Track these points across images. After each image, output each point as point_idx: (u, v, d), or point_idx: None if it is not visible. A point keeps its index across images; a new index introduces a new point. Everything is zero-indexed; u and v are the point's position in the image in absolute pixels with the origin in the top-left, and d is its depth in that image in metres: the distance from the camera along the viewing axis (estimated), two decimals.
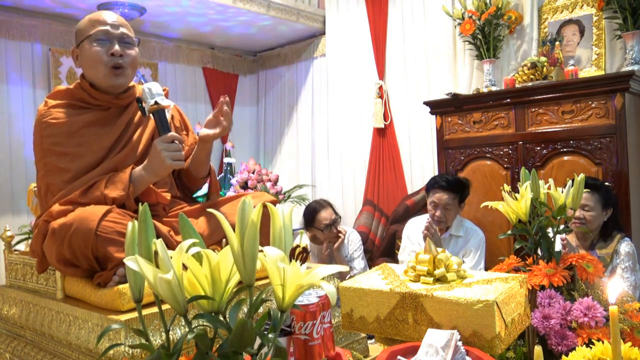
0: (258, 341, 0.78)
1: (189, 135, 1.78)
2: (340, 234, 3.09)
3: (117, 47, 1.54)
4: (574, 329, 1.40)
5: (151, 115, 1.51)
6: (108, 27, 1.55)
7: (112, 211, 1.37)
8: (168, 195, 1.61)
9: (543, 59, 2.99)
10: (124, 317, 1.23)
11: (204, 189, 1.84)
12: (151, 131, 1.63)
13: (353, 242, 3.22)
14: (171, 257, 0.74)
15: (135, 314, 1.24)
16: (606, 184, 2.49)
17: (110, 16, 1.58)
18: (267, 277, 0.80)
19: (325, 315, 1.15)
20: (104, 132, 1.56)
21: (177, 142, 1.48)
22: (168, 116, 1.56)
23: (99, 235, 1.31)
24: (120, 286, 1.30)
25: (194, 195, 1.84)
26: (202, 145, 1.66)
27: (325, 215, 3.06)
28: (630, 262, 2.31)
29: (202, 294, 0.77)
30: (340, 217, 3.18)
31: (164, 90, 1.78)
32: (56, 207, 1.41)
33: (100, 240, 1.31)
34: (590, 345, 1.10)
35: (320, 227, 3.05)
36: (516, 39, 3.44)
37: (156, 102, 1.48)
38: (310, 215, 3.11)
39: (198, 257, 0.77)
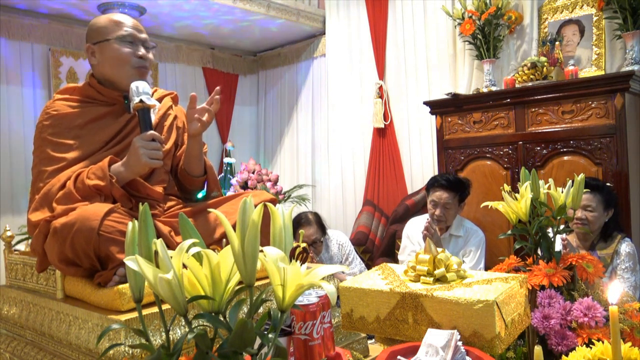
0: (258, 341, 0.78)
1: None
2: (311, 256, 2.90)
3: (143, 50, 1.63)
4: (574, 329, 1.40)
5: (136, 112, 1.52)
6: (134, 31, 1.63)
7: (114, 211, 1.37)
8: (160, 189, 1.61)
9: (543, 59, 2.99)
10: (124, 317, 1.23)
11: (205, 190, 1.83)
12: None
13: (343, 247, 3.16)
14: (171, 257, 0.74)
15: (135, 314, 1.24)
16: (607, 184, 2.49)
17: (130, 20, 1.66)
18: (267, 277, 0.80)
19: (325, 315, 1.15)
20: (104, 126, 1.61)
21: (157, 141, 1.49)
22: (153, 116, 1.57)
23: (101, 235, 1.31)
24: (120, 286, 1.30)
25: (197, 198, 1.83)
26: (190, 141, 1.66)
27: (305, 232, 2.90)
28: (631, 263, 2.31)
29: (202, 294, 0.77)
30: (324, 236, 3.05)
31: (170, 94, 1.80)
32: (59, 207, 1.41)
33: (102, 240, 1.31)
34: (590, 345, 1.10)
35: (297, 241, 2.94)
36: (516, 39, 3.44)
37: (141, 101, 1.49)
38: (294, 227, 2.92)
39: (198, 257, 0.77)
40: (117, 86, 1.63)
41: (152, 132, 1.49)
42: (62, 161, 1.52)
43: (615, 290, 0.96)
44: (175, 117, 1.77)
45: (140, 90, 1.50)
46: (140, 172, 1.54)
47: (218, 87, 1.65)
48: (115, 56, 1.60)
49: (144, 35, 1.65)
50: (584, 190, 1.65)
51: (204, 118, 1.60)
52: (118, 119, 1.63)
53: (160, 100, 1.75)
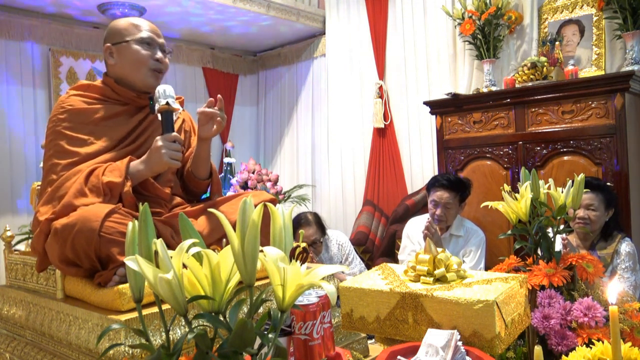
0: (258, 341, 0.78)
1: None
2: (311, 257, 2.89)
3: (160, 54, 1.67)
4: (574, 329, 1.40)
5: (159, 114, 1.57)
6: (153, 35, 1.67)
7: (115, 211, 1.37)
8: (168, 190, 1.65)
9: (543, 59, 2.99)
10: (124, 317, 1.23)
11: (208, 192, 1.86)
12: (161, 133, 1.66)
13: (343, 247, 3.16)
14: (171, 257, 0.74)
15: (135, 314, 1.24)
16: (607, 184, 2.49)
17: (150, 24, 1.70)
18: (267, 277, 0.80)
19: (325, 315, 1.15)
20: (118, 125, 1.63)
21: (177, 142, 1.54)
22: (175, 119, 1.61)
23: (102, 236, 1.31)
24: (120, 286, 1.30)
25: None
26: (200, 144, 1.70)
27: (305, 233, 2.88)
28: (631, 262, 2.31)
29: (202, 294, 0.77)
30: (323, 236, 3.05)
31: (178, 98, 1.83)
32: (65, 201, 1.41)
33: (103, 241, 1.31)
34: (590, 345, 1.10)
35: (297, 241, 2.92)
36: (516, 39, 3.45)
37: (167, 103, 1.54)
38: (293, 227, 2.90)
39: (198, 257, 0.77)
40: (133, 86, 1.66)
41: (174, 134, 1.54)
42: (76, 155, 1.54)
43: (614, 289, 0.96)
44: (183, 121, 1.81)
45: (167, 93, 1.55)
46: (159, 171, 1.59)
47: (220, 96, 1.68)
48: (134, 57, 1.63)
49: (161, 40, 1.69)
50: (585, 190, 1.65)
51: (219, 119, 1.63)
52: (131, 118, 1.66)
53: None
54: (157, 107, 1.55)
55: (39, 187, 1.76)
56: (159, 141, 1.51)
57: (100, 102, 1.65)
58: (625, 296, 1.73)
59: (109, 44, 1.66)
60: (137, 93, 1.67)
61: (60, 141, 1.56)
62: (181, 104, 1.85)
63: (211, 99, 1.64)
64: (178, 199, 1.70)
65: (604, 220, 2.36)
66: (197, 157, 1.72)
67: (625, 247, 2.34)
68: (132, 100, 1.67)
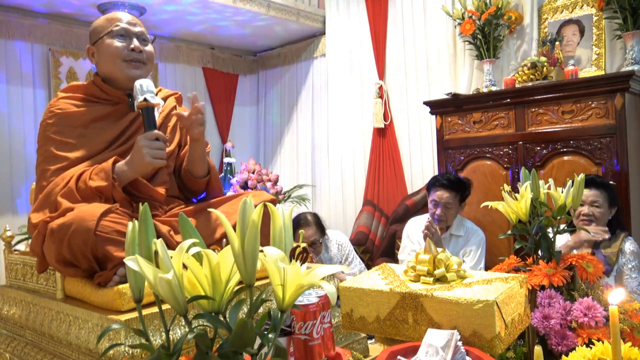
0: (258, 341, 0.78)
1: None
2: (311, 257, 2.89)
3: (136, 43, 1.61)
4: (574, 329, 1.40)
5: (140, 111, 1.52)
6: (127, 25, 1.62)
7: (111, 211, 1.37)
8: (162, 190, 1.61)
9: (543, 59, 2.99)
10: (124, 317, 1.23)
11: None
12: None
13: (343, 247, 3.16)
14: (171, 257, 0.74)
15: (135, 314, 1.24)
16: (610, 182, 2.50)
17: (126, 16, 1.66)
18: (267, 277, 0.80)
19: (325, 315, 1.15)
20: (108, 126, 1.60)
21: (161, 140, 1.49)
22: (157, 114, 1.56)
23: (98, 235, 1.31)
24: (120, 286, 1.30)
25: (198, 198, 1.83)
26: (191, 145, 1.67)
27: (304, 234, 2.91)
28: (637, 261, 2.32)
29: (202, 294, 0.77)
30: (323, 237, 3.05)
31: (175, 94, 1.79)
32: (63, 209, 1.40)
33: (99, 240, 1.31)
34: (590, 345, 1.10)
35: (297, 242, 2.90)
36: (516, 39, 3.45)
37: (145, 99, 1.48)
38: (293, 228, 2.90)
39: (198, 257, 0.77)
40: (116, 83, 1.63)
41: (156, 131, 1.49)
42: (65, 160, 1.52)
43: (618, 295, 0.96)
44: None
45: (145, 88, 1.49)
46: (144, 172, 1.53)
47: (195, 93, 1.63)
48: (108, 52, 1.60)
49: (138, 29, 1.64)
50: (584, 188, 1.65)
51: (197, 121, 1.58)
52: (122, 118, 1.62)
53: (164, 100, 1.74)
54: (135, 104, 1.49)
55: None
56: (139, 141, 1.46)
57: (90, 104, 1.61)
58: (627, 296, 1.73)
59: (89, 45, 1.65)
60: (125, 90, 1.63)
61: (49, 146, 1.54)
62: (178, 99, 1.82)
63: (201, 103, 1.59)
64: (175, 201, 1.67)
65: (608, 218, 2.37)
66: (191, 157, 1.68)
67: (629, 245, 2.34)
68: (120, 99, 1.64)
